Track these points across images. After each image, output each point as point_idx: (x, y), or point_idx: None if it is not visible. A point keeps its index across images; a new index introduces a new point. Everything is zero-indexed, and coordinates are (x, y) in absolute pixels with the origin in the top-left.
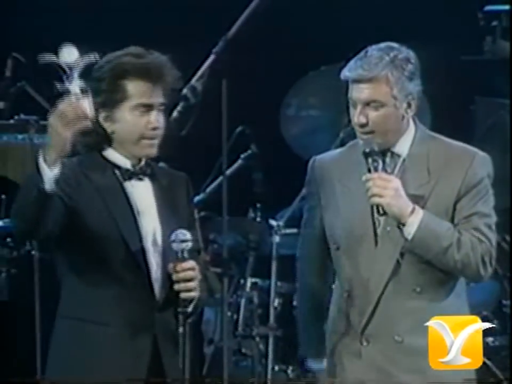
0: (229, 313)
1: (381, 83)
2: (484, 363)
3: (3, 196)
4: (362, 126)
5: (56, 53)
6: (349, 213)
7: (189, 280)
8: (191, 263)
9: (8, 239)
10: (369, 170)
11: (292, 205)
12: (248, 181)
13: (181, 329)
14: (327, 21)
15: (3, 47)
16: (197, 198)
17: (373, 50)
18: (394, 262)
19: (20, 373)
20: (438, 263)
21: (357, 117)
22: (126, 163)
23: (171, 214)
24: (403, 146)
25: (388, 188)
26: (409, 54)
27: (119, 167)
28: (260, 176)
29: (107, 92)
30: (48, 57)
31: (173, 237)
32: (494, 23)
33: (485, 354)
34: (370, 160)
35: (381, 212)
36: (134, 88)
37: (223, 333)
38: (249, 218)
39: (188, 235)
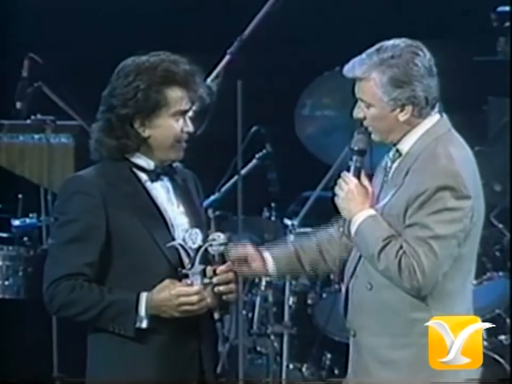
0: (244, 312)
1: (367, 83)
2: (497, 361)
3: (20, 195)
4: (360, 120)
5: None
6: None
7: (230, 282)
8: (230, 265)
9: (25, 238)
10: (348, 169)
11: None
12: (263, 180)
13: (223, 331)
14: (341, 21)
15: (20, 47)
16: (212, 198)
17: (373, 48)
18: (357, 258)
19: (37, 371)
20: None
21: (355, 110)
22: (150, 165)
23: (194, 212)
24: (406, 144)
25: (343, 189)
26: (402, 59)
27: (143, 170)
28: (274, 176)
29: (145, 98)
30: None
31: (209, 239)
32: (507, 23)
33: (498, 353)
34: (351, 158)
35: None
36: (174, 95)
37: (238, 331)
38: (264, 218)
39: (224, 238)
